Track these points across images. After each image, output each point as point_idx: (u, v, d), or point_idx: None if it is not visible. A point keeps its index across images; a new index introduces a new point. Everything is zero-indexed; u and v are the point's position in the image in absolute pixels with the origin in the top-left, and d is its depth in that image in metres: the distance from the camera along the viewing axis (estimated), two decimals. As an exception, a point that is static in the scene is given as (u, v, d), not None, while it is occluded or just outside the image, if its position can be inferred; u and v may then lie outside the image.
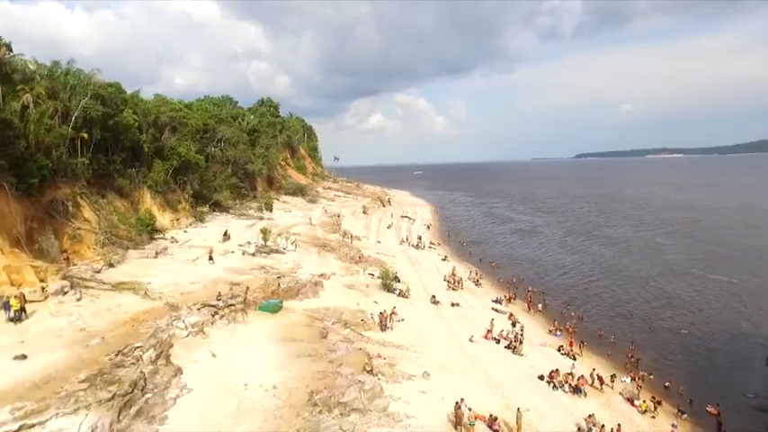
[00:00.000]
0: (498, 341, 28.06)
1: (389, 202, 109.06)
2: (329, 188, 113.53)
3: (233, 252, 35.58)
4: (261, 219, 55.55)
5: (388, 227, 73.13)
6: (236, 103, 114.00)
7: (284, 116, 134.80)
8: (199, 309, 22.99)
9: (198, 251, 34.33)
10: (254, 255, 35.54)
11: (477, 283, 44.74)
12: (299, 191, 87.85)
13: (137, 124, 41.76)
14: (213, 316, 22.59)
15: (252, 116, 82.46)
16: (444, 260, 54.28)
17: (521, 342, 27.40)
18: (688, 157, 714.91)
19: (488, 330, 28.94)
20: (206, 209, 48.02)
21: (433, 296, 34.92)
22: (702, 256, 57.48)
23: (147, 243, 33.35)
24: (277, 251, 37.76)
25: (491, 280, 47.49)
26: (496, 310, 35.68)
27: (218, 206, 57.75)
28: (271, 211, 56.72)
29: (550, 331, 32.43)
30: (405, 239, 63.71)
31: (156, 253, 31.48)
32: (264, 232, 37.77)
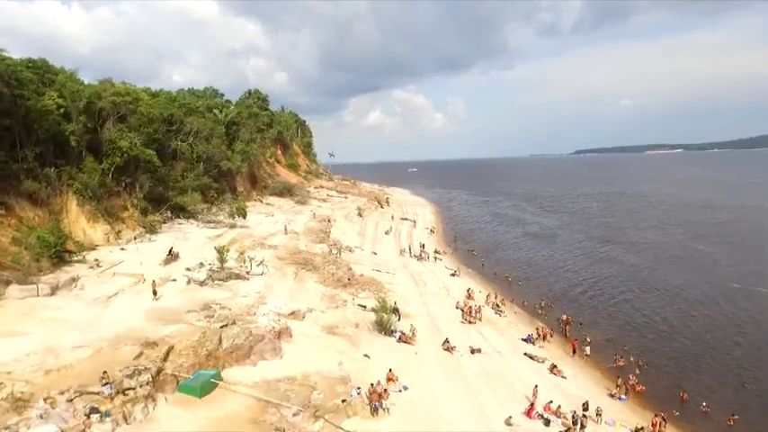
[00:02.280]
0: (548, 421, 18.93)
1: (387, 202, 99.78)
2: (322, 187, 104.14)
3: (174, 281, 26.28)
4: (233, 227, 46.20)
5: (386, 232, 63.92)
6: (222, 95, 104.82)
7: (276, 110, 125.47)
8: (70, 400, 13.80)
9: (123, 281, 25.02)
10: (203, 283, 26.24)
11: (497, 309, 35.60)
12: (286, 191, 78.45)
13: (62, 111, 32.41)
14: (88, 417, 13.38)
15: (232, 107, 73.11)
16: (454, 276, 45.20)
17: (583, 426, 18.26)
18: (687, 152, 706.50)
19: (531, 404, 19.79)
20: (158, 217, 38.46)
21: (447, 340, 25.72)
22: (760, 268, 48.43)
23: (49, 271, 24.03)
24: (238, 276, 28.47)
25: (513, 304, 38.35)
26: (531, 357, 26.52)
27: (183, 212, 48.46)
28: (244, 217, 47.34)
29: (612, 395, 23.27)
30: (407, 249, 54.46)
31: (55, 287, 22.17)
32: (221, 251, 28.46)
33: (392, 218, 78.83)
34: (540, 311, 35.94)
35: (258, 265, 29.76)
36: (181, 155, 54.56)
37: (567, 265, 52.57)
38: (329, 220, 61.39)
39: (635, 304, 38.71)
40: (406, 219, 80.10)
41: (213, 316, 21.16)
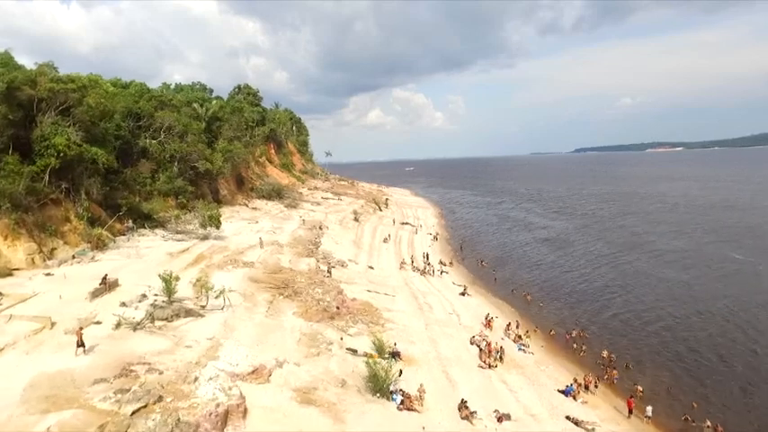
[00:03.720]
0: None
1: (387, 204, 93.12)
2: (316, 188, 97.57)
3: (99, 323, 19.57)
4: (204, 239, 39.51)
5: (385, 240, 57.25)
6: (212, 91, 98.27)
7: (270, 107, 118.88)
8: None
9: (20, 328, 18.28)
10: (138, 326, 19.52)
11: (521, 343, 28.94)
12: (275, 193, 71.75)
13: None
14: None
15: (214, 101, 66.26)
16: (463, 294, 38.59)
17: None
18: (688, 151, 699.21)
19: None
20: (107, 230, 31.46)
21: (464, 402, 19.06)
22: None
23: None
24: (190, 312, 21.76)
25: (538, 333, 31.73)
26: (576, 422, 19.84)
27: (149, 220, 41.79)
28: (218, 227, 40.55)
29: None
30: (410, 262, 47.80)
31: None
32: (167, 280, 21.77)
33: (393, 222, 72.23)
34: (574, 345, 29.29)
35: (217, 297, 23.01)
36: (151, 154, 47.93)
37: (590, 279, 46.00)
38: (321, 227, 54.75)
39: (678, 333, 32.11)
40: (406, 223, 73.48)
41: (130, 389, 14.45)
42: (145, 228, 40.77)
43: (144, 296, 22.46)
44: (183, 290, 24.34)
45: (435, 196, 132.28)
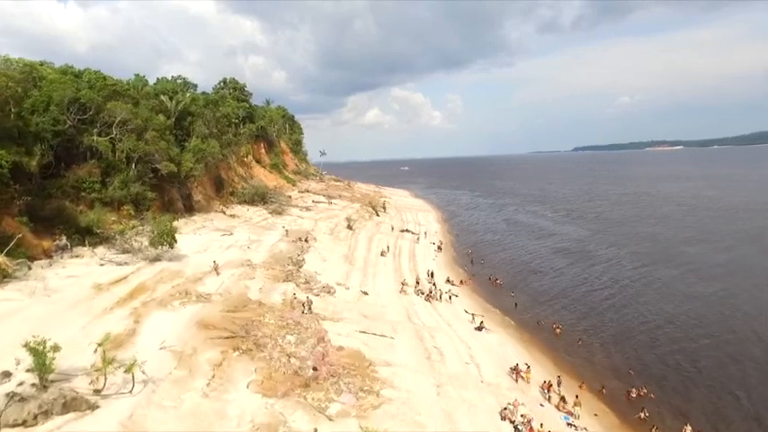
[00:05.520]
0: None
1: (384, 207, 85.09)
2: (308, 191, 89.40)
3: None
4: (155, 260, 31.54)
5: (383, 253, 49.21)
6: (196, 86, 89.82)
7: (261, 104, 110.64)
8: None
9: None
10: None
11: (567, 411, 21.10)
12: (259, 198, 63.74)
13: None
14: None
15: (188, 94, 58.22)
16: (480, 329, 30.74)
17: None
18: (688, 149, 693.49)
19: None
20: (1, 258, 23.37)
21: None
22: None
23: None
24: (73, 403, 13.78)
25: (585, 391, 23.81)
26: None
27: (90, 235, 33.79)
28: (172, 246, 32.44)
29: None
30: (413, 282, 39.71)
31: None
32: (37, 352, 13.84)
33: (391, 229, 64.35)
34: (641, 416, 21.36)
35: (127, 371, 15.04)
36: (101, 154, 40.01)
37: (624, 302, 38.32)
38: (307, 239, 46.73)
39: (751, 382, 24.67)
40: (407, 230, 65.53)
41: None
42: (85, 245, 32.84)
43: (7, 374, 14.48)
44: (86, 355, 16.47)
45: (436, 198, 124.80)
